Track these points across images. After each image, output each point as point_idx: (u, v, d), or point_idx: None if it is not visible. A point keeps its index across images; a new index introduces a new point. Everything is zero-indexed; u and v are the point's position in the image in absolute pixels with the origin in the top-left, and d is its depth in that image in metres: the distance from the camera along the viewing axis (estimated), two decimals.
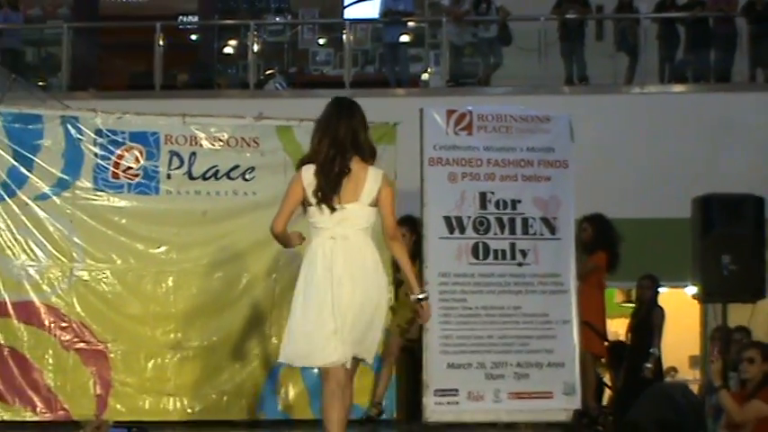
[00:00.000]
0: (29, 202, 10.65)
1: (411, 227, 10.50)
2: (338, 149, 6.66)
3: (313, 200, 6.61)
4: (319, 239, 6.68)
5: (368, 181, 6.67)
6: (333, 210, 6.58)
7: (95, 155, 10.82)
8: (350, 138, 6.72)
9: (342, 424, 6.65)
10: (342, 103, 7.12)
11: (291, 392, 10.83)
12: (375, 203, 6.68)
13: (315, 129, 7.00)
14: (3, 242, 10.57)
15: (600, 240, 11.51)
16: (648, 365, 11.60)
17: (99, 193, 10.80)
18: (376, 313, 6.71)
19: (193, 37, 20.69)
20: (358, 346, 6.68)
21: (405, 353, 11.15)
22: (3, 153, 10.63)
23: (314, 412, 10.75)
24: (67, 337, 10.59)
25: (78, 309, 10.64)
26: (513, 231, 10.88)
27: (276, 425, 10.59)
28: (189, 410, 10.69)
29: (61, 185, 10.74)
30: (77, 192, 10.77)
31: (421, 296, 6.78)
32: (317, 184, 6.58)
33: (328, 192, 6.56)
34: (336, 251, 6.59)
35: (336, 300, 6.52)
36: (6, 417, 10.33)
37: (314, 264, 6.62)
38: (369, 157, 6.79)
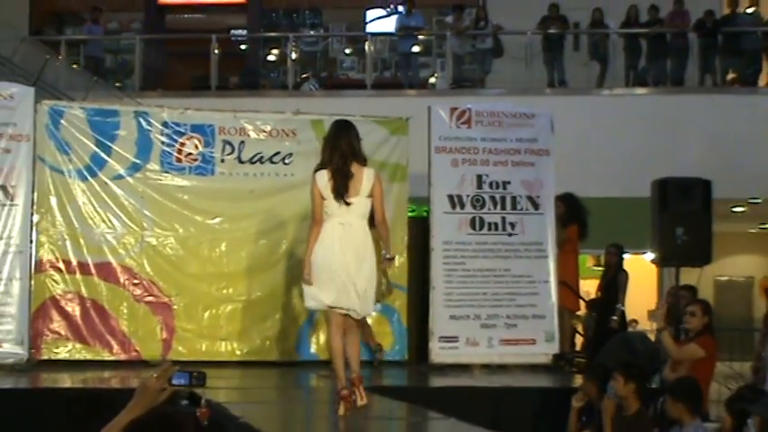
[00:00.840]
0: (107, 181, 10.70)
1: None
2: (343, 159, 7.09)
3: (329, 196, 7.04)
4: (330, 223, 7.10)
5: (364, 179, 7.10)
6: (347, 204, 7.03)
7: (162, 143, 10.86)
8: (350, 149, 7.14)
9: (344, 353, 7.10)
10: (341, 123, 7.49)
11: (321, 338, 10.85)
12: (370, 195, 7.12)
13: (324, 144, 7.41)
14: (86, 214, 10.62)
15: (571, 215, 11.48)
16: (615, 318, 11.60)
17: (165, 174, 10.84)
18: (370, 274, 7.15)
19: (243, 47, 20.68)
20: (356, 297, 7.05)
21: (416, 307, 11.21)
22: (86, 141, 10.68)
23: None
24: (139, 292, 10.66)
25: (148, 269, 10.70)
26: (503, 207, 10.90)
27: (309, 364, 10.62)
28: (238, 352, 10.76)
29: (134, 168, 10.79)
30: (147, 173, 10.81)
31: (388, 256, 7.51)
32: (332, 185, 7.02)
33: (342, 191, 7.01)
34: (344, 234, 7.07)
35: (340, 267, 7.02)
36: (89, 356, 10.41)
37: (325, 241, 7.06)
38: (363, 161, 7.22)
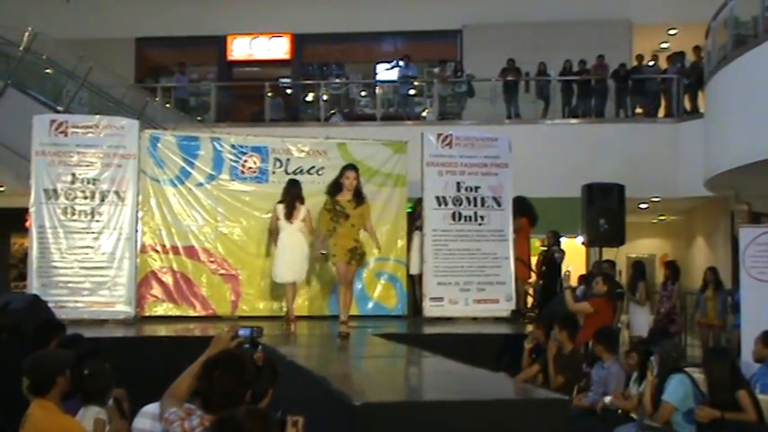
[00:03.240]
0: (192, 187, 10.68)
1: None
2: (293, 200, 9.56)
3: (282, 218, 9.53)
4: (283, 233, 9.59)
5: (301, 212, 9.60)
6: (291, 222, 9.51)
7: (231, 159, 10.83)
8: (296, 194, 9.66)
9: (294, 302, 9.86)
10: (293, 181, 9.89)
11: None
12: (303, 219, 9.57)
13: (284, 191, 9.78)
14: (176, 211, 10.61)
15: (521, 211, 11.39)
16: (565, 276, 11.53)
17: (233, 182, 10.81)
18: (301, 260, 9.76)
19: (288, 91, 20.63)
20: (295, 275, 9.72)
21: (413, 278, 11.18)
22: (176, 159, 10.67)
23: (359, 310, 10.77)
24: (214, 267, 10.63)
25: (221, 250, 10.67)
26: (475, 205, 10.86)
27: (337, 318, 10.56)
28: (285, 310, 10.69)
29: (210, 178, 10.76)
30: (220, 181, 10.78)
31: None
32: (285, 213, 9.54)
33: (291, 216, 9.49)
34: (290, 239, 9.55)
35: (290, 257, 9.57)
36: (178, 313, 10.40)
37: (281, 244, 9.57)
38: (301, 201, 9.64)
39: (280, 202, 9.72)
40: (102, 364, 5.19)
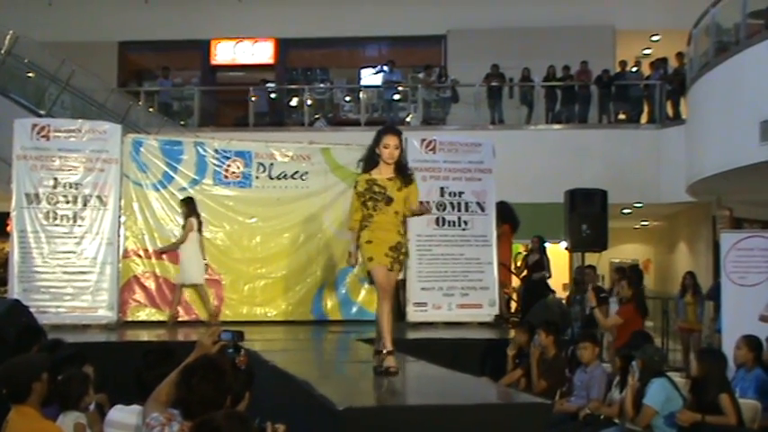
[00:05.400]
0: (174, 192, 10.62)
1: None
2: (198, 215, 10.02)
3: (195, 230, 9.97)
4: (193, 244, 10.04)
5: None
6: (201, 233, 10.05)
7: (214, 164, 10.79)
8: (196, 209, 10.10)
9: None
10: (190, 197, 10.14)
11: (329, 303, 10.80)
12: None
13: (189, 208, 10.05)
14: (159, 216, 10.56)
15: (503, 218, 11.41)
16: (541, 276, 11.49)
17: (216, 187, 10.77)
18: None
19: (272, 95, 20.59)
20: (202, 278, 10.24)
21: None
22: (159, 163, 10.61)
23: (343, 315, 10.77)
24: None
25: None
26: (459, 210, 10.83)
27: (320, 323, 10.56)
28: (269, 314, 10.66)
29: (194, 182, 10.71)
30: (203, 186, 10.73)
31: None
32: (198, 226, 9.94)
33: (201, 228, 10.05)
34: (198, 247, 10.08)
35: (200, 261, 10.19)
36: (161, 318, 10.32)
37: (195, 250, 10.17)
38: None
39: (188, 216, 10.12)
40: (77, 369, 5.16)
